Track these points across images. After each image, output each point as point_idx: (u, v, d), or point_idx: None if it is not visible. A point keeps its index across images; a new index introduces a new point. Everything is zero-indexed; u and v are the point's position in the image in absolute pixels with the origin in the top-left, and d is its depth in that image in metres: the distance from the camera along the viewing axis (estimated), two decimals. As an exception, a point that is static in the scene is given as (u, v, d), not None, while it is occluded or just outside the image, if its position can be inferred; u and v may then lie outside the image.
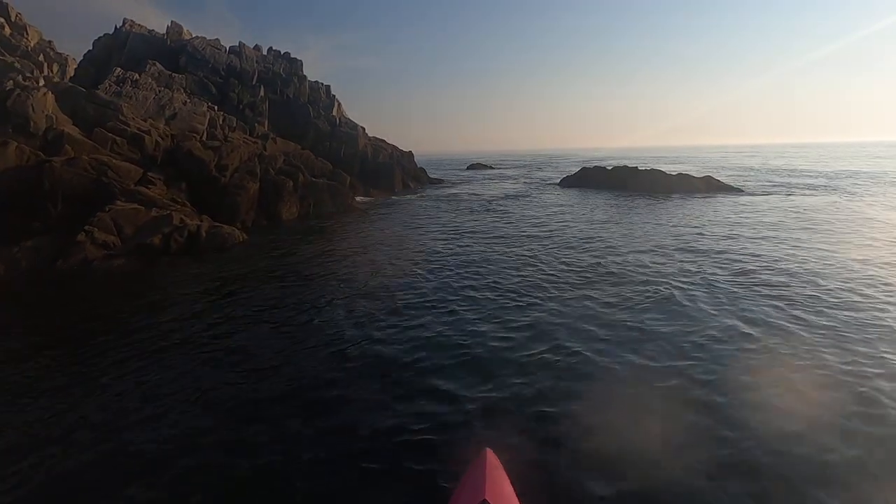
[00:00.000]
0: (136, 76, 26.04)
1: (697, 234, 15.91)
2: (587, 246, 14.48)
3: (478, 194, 31.61)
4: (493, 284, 10.72)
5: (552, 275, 11.36)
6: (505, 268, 12.15)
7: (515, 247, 14.56)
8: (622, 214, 20.38)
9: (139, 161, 17.92)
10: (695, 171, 39.51)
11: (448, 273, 11.80)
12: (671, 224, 17.72)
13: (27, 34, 43.38)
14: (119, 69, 26.28)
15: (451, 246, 14.81)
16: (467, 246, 14.95)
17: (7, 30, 41.30)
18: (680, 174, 30.83)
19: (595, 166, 36.00)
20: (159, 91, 26.16)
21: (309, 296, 10.31)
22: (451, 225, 18.22)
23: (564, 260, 12.80)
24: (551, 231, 16.82)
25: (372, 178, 34.77)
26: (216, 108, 28.89)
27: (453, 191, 34.77)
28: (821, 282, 10.26)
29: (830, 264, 11.74)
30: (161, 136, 20.04)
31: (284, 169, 21.80)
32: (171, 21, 35.22)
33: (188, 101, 26.79)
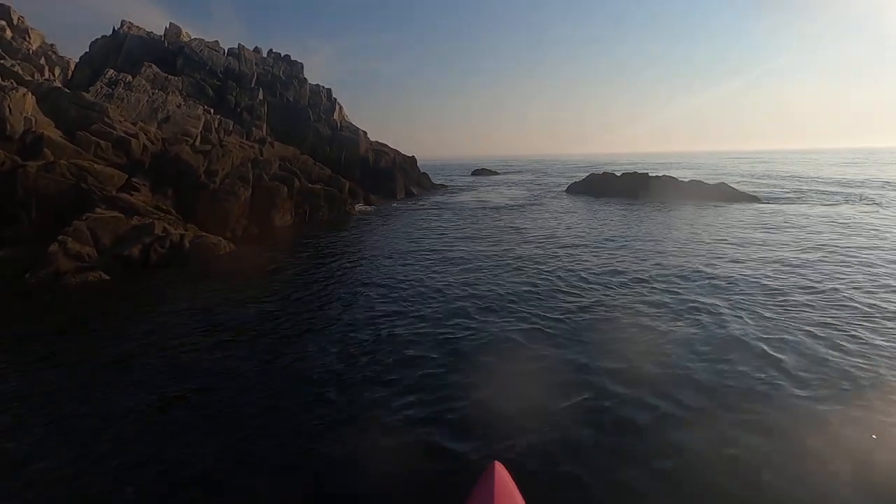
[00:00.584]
0: (130, 78, 25.23)
1: (741, 251, 14.67)
2: (619, 273, 13.19)
3: (483, 202, 30.36)
4: (521, 324, 8.83)
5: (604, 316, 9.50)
6: (524, 296, 10.82)
7: (531, 269, 13.13)
8: (642, 225, 19.11)
9: (125, 166, 16.98)
10: (699, 176, 38.24)
11: (455, 303, 10.66)
12: (702, 238, 16.29)
13: (29, 38, 42.89)
14: (112, 70, 25.49)
15: (455, 271, 12.95)
16: (475, 265, 13.84)
17: (8, 33, 40.79)
18: (693, 181, 29.64)
19: (604, 172, 34.86)
20: (153, 93, 25.31)
21: (287, 323, 9.21)
22: (455, 240, 16.30)
23: (604, 293, 10.56)
24: (574, 248, 15.52)
25: (373, 184, 33.78)
26: (212, 111, 28.05)
27: (458, 198, 33.54)
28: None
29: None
30: (151, 140, 19.13)
31: (279, 174, 20.83)
32: (170, 23, 34.52)
33: (183, 103, 25.93)
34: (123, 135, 17.32)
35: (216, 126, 26.53)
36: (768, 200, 26.54)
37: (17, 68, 34.33)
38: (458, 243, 15.95)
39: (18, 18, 42.92)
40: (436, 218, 21.79)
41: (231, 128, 27.65)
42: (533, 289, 10.72)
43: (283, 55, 36.14)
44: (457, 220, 21.19)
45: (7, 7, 41.35)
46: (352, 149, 34.04)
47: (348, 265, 13.63)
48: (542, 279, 11.52)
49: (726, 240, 15.54)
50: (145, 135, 18.81)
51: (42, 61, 39.20)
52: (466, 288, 10.90)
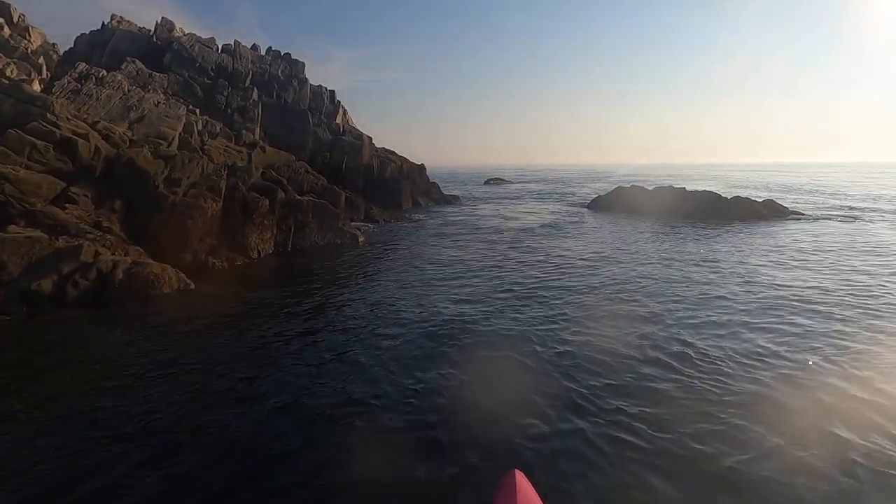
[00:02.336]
0: (103, 73, 22.49)
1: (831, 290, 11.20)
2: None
3: (502, 219, 26.63)
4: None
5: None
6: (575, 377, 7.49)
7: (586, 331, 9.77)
8: (707, 258, 15.67)
9: (69, 173, 13.99)
10: (729, 190, 34.49)
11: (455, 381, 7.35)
12: (781, 274, 12.96)
13: (29, 36, 40.78)
14: (83, 64, 22.79)
15: (476, 330, 9.40)
16: (506, 321, 10.50)
17: (6, 31, 38.65)
18: (737, 197, 26.04)
19: (632, 186, 31.36)
20: (129, 90, 22.52)
21: (226, 413, 5.99)
22: (485, 296, 11.07)
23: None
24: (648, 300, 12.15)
25: (377, 194, 30.67)
26: (198, 111, 25.21)
27: (472, 213, 29.93)
28: None
29: None
30: (111, 142, 16.18)
31: (260, 184, 17.75)
32: (162, 17, 32.03)
33: (163, 102, 23.10)
34: (70, 135, 14.39)
35: (200, 128, 23.63)
36: (818, 217, 22.89)
37: (10, 67, 32.08)
38: (490, 301, 10.69)
39: (19, 17, 40.87)
40: (450, 245, 18.05)
41: (218, 130, 24.75)
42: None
43: (283, 53, 33.38)
44: (477, 249, 17.15)
45: (7, 5, 39.38)
46: (354, 156, 31.02)
47: (323, 326, 10.31)
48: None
49: None
50: (101, 136, 15.85)
51: (41, 60, 36.96)
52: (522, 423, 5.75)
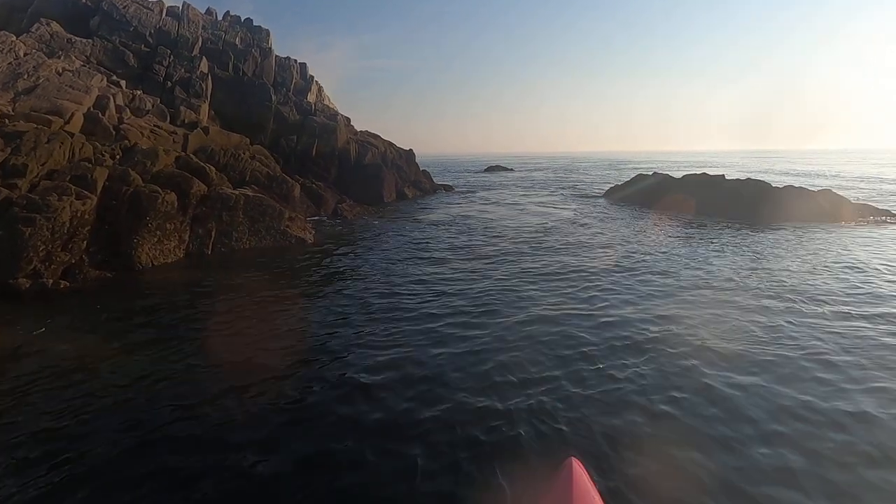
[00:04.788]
0: (-6, 33, 17.82)
1: None
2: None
3: (499, 215, 21.69)
4: None
5: None
6: None
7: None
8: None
9: None
10: (730, 175, 29.59)
11: None
12: None
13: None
14: (-34, 22, 18.11)
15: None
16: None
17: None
18: (789, 187, 21.17)
19: (655, 173, 26.52)
20: (23, 55, 17.83)
21: None
22: (449, 341, 7.11)
23: None
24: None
25: (355, 184, 25.99)
26: (124, 83, 20.51)
27: (464, 207, 24.95)
28: None
29: None
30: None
31: (169, 174, 13.07)
32: (98, -25, 27.11)
33: (71, 69, 18.40)
34: None
35: (123, 102, 18.95)
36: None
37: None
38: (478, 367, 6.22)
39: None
40: (424, 256, 13.02)
41: (149, 107, 20.06)
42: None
43: (243, 19, 28.46)
44: (460, 265, 11.99)
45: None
46: (327, 139, 26.23)
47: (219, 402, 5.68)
48: None
49: None
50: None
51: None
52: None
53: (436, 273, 11.08)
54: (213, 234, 12.91)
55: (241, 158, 17.20)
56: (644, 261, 12.07)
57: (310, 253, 13.31)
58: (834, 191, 21.61)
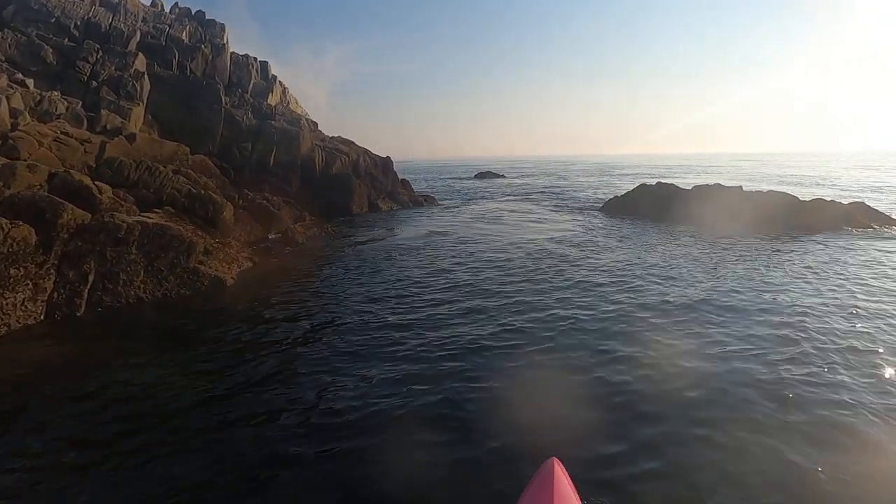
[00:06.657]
0: None
1: None
2: None
3: (483, 240, 16.97)
4: None
5: None
6: None
7: None
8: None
9: None
10: (726, 182, 26.70)
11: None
12: None
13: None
14: None
15: None
16: None
17: None
18: (818, 200, 18.25)
19: (659, 183, 23.57)
20: None
21: None
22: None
23: None
24: None
25: (320, 197, 22.84)
26: (32, 82, 17.23)
27: (444, 225, 20.87)
28: None
29: None
30: None
31: (26, 198, 9.81)
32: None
33: (-46, 65, 15.09)
34: None
35: (25, 104, 15.65)
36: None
37: None
38: None
39: None
40: (384, 301, 9.46)
41: (62, 110, 16.78)
42: None
43: (194, 12, 25.24)
44: (430, 315, 8.80)
45: None
46: (287, 146, 23.04)
47: None
48: None
49: None
50: None
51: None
52: None
53: (391, 339, 7.84)
54: (90, 279, 9.62)
55: (157, 173, 13.90)
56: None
57: (223, 305, 10.02)
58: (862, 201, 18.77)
